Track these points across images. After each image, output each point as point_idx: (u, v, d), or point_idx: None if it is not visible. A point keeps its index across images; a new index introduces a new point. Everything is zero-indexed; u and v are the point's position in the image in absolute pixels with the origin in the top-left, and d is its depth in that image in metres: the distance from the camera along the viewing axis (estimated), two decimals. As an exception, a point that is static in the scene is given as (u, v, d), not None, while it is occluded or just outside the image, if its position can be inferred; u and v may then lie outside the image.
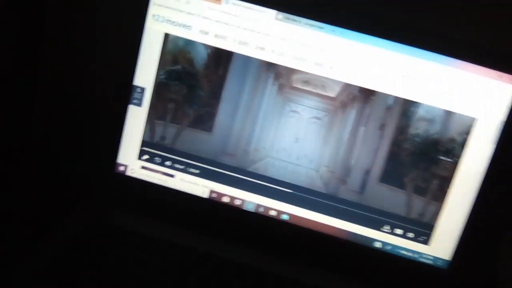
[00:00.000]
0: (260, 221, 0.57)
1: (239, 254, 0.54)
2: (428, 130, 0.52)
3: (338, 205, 0.55)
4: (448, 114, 0.52)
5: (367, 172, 0.54)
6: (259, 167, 0.56)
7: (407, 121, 0.52)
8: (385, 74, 0.52)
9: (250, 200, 0.57)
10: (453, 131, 0.52)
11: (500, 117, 0.52)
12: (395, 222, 0.55)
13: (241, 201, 0.57)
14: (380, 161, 0.54)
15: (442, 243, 0.55)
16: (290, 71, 0.53)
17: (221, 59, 0.53)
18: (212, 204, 0.57)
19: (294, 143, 0.55)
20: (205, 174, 0.57)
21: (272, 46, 0.52)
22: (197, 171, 0.57)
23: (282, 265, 0.54)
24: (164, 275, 0.49)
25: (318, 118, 0.54)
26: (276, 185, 0.56)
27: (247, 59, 0.53)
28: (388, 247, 0.56)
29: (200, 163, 0.56)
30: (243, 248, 0.55)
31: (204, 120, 0.55)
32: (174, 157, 0.57)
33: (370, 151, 0.54)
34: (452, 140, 0.52)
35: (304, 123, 0.54)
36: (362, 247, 0.56)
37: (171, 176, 0.57)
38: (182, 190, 0.57)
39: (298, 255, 0.56)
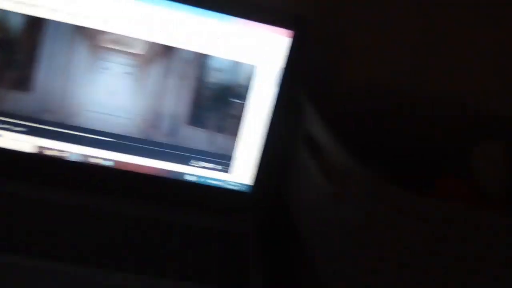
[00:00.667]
0: (87, 169, 0.65)
1: (73, 199, 0.62)
2: (220, 78, 0.64)
3: (154, 147, 0.65)
4: (235, 64, 0.64)
5: (176, 117, 0.64)
6: (80, 121, 0.63)
7: (203, 72, 0.63)
8: (181, 32, 0.62)
9: (76, 151, 0.64)
10: (240, 78, 0.64)
11: (279, 64, 0.64)
12: (202, 157, 0.66)
13: (68, 153, 0.64)
14: (185, 107, 0.64)
15: (242, 171, 0.67)
16: (99, 32, 0.61)
17: (34, 25, 0.60)
18: (41, 158, 0.64)
19: (110, 97, 0.63)
20: (31, 131, 0.63)
21: (80, 11, 0.60)
22: (23, 129, 0.63)
23: (111, 203, 0.63)
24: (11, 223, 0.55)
25: (129, 73, 0.63)
26: (98, 136, 0.64)
27: (58, 24, 0.60)
28: (198, 179, 0.67)
29: (24, 121, 0.63)
30: (77, 194, 0.63)
31: (24, 81, 0.61)
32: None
33: (176, 99, 0.64)
34: (240, 85, 0.64)
35: (116, 78, 0.63)
36: (177, 181, 0.66)
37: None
38: (11, 148, 0.63)
39: (125, 194, 0.65)
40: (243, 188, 0.68)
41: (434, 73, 0.77)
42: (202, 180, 0.67)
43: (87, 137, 0.64)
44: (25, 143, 0.63)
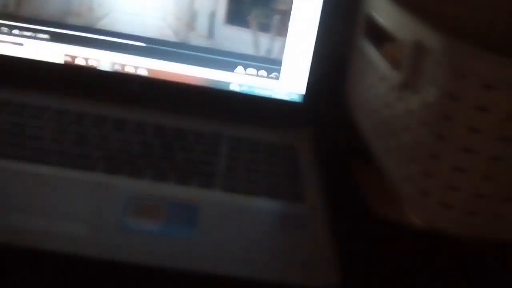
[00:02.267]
0: (119, 78, 0.58)
1: (109, 111, 0.56)
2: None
3: (191, 52, 0.57)
4: None
5: (214, 16, 0.56)
6: (107, 23, 0.56)
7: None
8: None
9: (105, 59, 0.57)
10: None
11: None
12: (246, 62, 0.57)
13: (96, 62, 0.57)
14: (224, 3, 0.55)
15: (293, 78, 0.58)
16: None
17: None
18: (69, 69, 0.57)
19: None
20: (55, 38, 0.56)
21: None
22: (47, 36, 0.56)
23: (146, 115, 0.57)
24: (43, 135, 0.50)
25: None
26: (127, 40, 0.56)
27: None
28: (244, 88, 0.58)
29: (48, 27, 0.56)
30: (110, 106, 0.57)
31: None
32: (21, 24, 0.56)
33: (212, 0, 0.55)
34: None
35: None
36: (220, 91, 0.58)
37: (21, 44, 0.56)
38: (37, 58, 0.57)
39: (161, 105, 0.58)
40: (295, 98, 0.59)
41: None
42: (248, 89, 0.58)
43: (116, 42, 0.56)
44: (51, 52, 0.57)
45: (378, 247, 0.47)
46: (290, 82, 0.58)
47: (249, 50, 0.57)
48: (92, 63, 0.57)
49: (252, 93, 0.59)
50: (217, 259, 0.40)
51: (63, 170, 0.46)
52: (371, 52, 0.50)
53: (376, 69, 0.48)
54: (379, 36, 0.49)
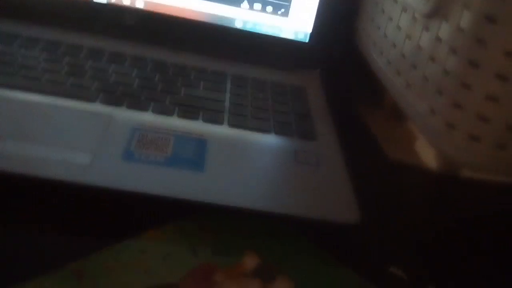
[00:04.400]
0: (115, 11, 0.53)
1: (105, 44, 0.52)
2: None
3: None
4: None
5: None
6: None
7: None
8: None
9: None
10: None
11: None
12: (252, 8, 0.54)
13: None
14: None
15: (301, 15, 0.55)
16: None
17: None
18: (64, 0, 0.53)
19: None
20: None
21: None
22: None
23: (146, 50, 0.53)
24: (36, 64, 0.46)
25: None
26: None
27: None
28: (249, 25, 0.55)
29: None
30: (107, 39, 0.53)
31: None
32: None
33: None
34: None
35: None
36: (224, 28, 0.55)
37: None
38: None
39: (161, 41, 0.54)
40: (303, 37, 0.56)
41: None
42: (253, 27, 0.55)
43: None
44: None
45: (393, 188, 0.45)
46: (298, 20, 0.55)
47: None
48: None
49: (258, 31, 0.55)
50: (227, 191, 0.37)
51: (58, 99, 0.43)
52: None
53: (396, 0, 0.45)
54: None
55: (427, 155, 0.45)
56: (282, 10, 0.54)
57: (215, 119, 0.45)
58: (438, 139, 0.40)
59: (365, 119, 0.52)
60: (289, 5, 0.54)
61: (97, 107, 0.43)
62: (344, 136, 0.47)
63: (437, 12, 0.40)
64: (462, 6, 0.37)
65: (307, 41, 0.56)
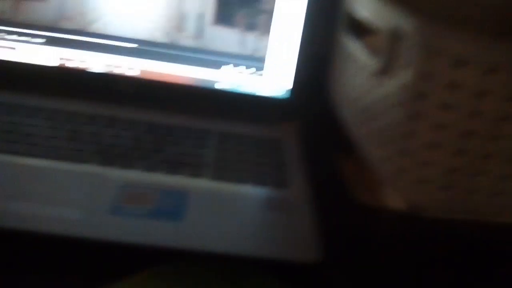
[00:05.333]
0: (112, 80, 0.60)
1: (102, 110, 0.58)
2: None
3: (180, 52, 0.60)
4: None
5: (202, 17, 0.58)
6: (99, 27, 0.58)
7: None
8: None
9: (98, 61, 0.60)
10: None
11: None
12: (233, 60, 0.60)
13: (90, 64, 0.60)
14: (211, 5, 0.58)
15: (279, 74, 0.61)
16: None
17: None
18: (64, 72, 0.59)
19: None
20: (49, 42, 0.59)
21: None
22: (42, 40, 0.59)
23: (139, 114, 0.59)
24: (38, 132, 0.53)
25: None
26: (118, 42, 0.59)
27: None
28: (231, 86, 0.61)
29: (42, 31, 0.58)
30: (103, 105, 0.59)
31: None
32: (16, 29, 0.58)
33: (200, 1, 0.58)
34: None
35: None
36: (208, 89, 0.61)
37: (14, 48, 0.59)
38: (32, 62, 0.59)
39: (153, 104, 0.60)
40: (281, 94, 0.61)
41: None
42: (234, 87, 0.61)
43: (108, 44, 0.59)
44: (45, 55, 0.59)
45: (359, 230, 0.49)
46: (275, 79, 0.61)
47: (235, 49, 0.59)
48: (85, 65, 0.60)
49: (239, 91, 0.61)
50: (205, 238, 0.42)
51: (57, 162, 0.48)
52: (352, 44, 0.52)
53: (356, 60, 0.51)
54: (359, 29, 0.51)
55: (392, 198, 0.49)
56: (260, 71, 0.60)
57: (197, 174, 0.50)
58: (393, 183, 0.44)
59: (336, 166, 0.57)
60: (265, 66, 0.60)
61: (92, 168, 0.49)
62: (316, 183, 0.52)
63: (385, 71, 0.45)
64: (404, 65, 0.42)
65: (285, 97, 0.61)
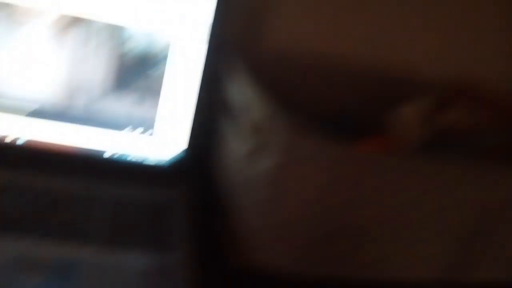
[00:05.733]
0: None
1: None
2: (139, 48, 0.62)
3: (70, 122, 0.63)
4: (155, 32, 0.62)
5: (93, 90, 0.62)
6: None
7: (120, 42, 0.61)
8: (95, 2, 0.60)
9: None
10: (160, 47, 0.62)
11: (200, 31, 0.63)
12: (123, 131, 0.64)
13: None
14: (102, 80, 0.62)
15: (169, 140, 0.66)
16: (7, 4, 0.58)
17: None
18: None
19: (21, 69, 0.60)
20: None
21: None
22: None
23: (24, 179, 0.61)
24: None
25: (41, 46, 0.61)
26: (6, 112, 0.61)
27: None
28: (119, 154, 0.65)
29: None
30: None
31: None
32: None
33: (93, 72, 0.62)
34: (159, 55, 0.63)
35: (27, 50, 0.60)
36: (98, 157, 0.64)
37: None
38: None
39: (40, 171, 0.62)
40: (168, 159, 0.66)
41: (357, 37, 0.79)
42: (126, 153, 0.65)
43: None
44: None
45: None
46: (165, 145, 0.66)
47: (126, 116, 0.64)
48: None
49: (128, 157, 0.65)
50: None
51: None
52: (231, 122, 0.59)
53: (234, 138, 0.58)
54: (236, 108, 0.58)
55: (262, 258, 0.56)
56: (148, 139, 0.65)
57: (86, 242, 0.54)
58: (264, 249, 0.51)
59: (219, 231, 0.63)
60: (152, 136, 0.65)
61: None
62: (199, 246, 0.57)
63: (254, 154, 0.52)
64: (270, 150, 0.49)
65: (172, 162, 0.67)
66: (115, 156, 0.65)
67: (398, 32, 0.80)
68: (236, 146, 0.57)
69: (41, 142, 0.63)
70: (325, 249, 0.52)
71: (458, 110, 0.68)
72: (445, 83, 0.76)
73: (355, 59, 0.76)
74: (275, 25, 0.76)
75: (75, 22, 0.60)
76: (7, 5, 0.58)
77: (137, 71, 0.63)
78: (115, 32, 0.61)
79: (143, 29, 0.61)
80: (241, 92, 0.56)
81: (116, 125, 0.64)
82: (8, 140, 0.62)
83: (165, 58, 0.63)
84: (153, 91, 0.64)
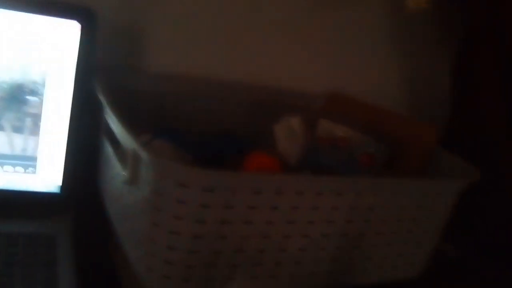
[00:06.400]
0: None
1: None
2: (11, 77, 0.61)
3: None
4: (26, 61, 0.61)
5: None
6: None
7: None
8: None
9: None
10: (35, 74, 0.61)
11: (71, 58, 0.62)
12: (3, 160, 0.62)
13: None
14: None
15: (50, 171, 0.65)
16: None
17: None
18: None
19: None
20: None
21: None
22: None
23: None
24: None
25: None
26: None
27: None
28: (3, 186, 0.63)
29: None
30: None
31: None
32: None
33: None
34: (35, 81, 0.62)
35: None
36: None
37: None
38: None
39: None
40: (52, 190, 0.65)
41: (236, 58, 0.82)
42: (6, 185, 0.63)
43: None
44: None
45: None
46: (47, 176, 0.65)
47: (4, 150, 0.62)
48: None
49: (10, 189, 0.64)
50: None
51: None
52: (109, 150, 0.59)
53: (113, 165, 0.58)
54: (114, 138, 0.59)
55: None
56: (31, 169, 0.64)
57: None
58: (145, 280, 0.52)
59: (111, 258, 0.63)
60: (36, 164, 0.64)
61: None
62: (89, 278, 0.57)
63: (131, 183, 0.53)
64: (144, 181, 0.50)
65: (57, 192, 0.66)
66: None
67: (271, 50, 0.84)
68: (114, 174, 0.57)
69: None
70: (208, 273, 0.53)
71: (333, 121, 0.72)
72: (320, 96, 0.81)
73: (229, 79, 0.79)
74: (150, 51, 0.77)
75: None
76: None
77: (12, 102, 0.61)
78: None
79: (16, 61, 0.60)
80: (110, 120, 0.56)
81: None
82: None
83: (40, 86, 0.62)
84: (32, 126, 0.63)
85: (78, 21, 0.61)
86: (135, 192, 0.52)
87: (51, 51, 0.61)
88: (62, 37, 0.61)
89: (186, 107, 0.73)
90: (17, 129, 0.62)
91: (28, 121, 0.63)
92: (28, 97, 0.62)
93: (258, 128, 0.71)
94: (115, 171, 0.57)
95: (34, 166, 0.64)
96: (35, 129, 0.63)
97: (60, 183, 0.66)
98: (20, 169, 0.64)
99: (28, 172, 0.64)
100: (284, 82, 0.85)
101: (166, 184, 0.48)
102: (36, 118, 0.63)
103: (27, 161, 0.64)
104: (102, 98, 0.60)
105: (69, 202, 0.66)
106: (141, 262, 0.52)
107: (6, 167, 0.63)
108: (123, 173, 0.53)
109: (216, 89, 0.77)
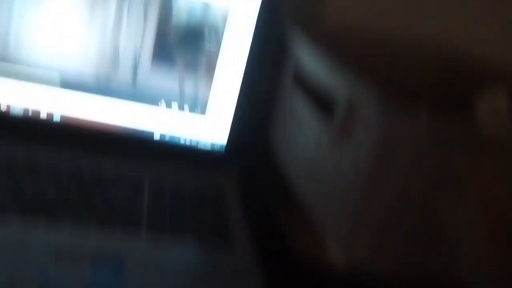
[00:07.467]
0: (31, 123, 0.54)
1: (22, 155, 0.51)
2: (191, 18, 0.54)
3: (111, 97, 0.55)
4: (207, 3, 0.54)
5: (137, 55, 0.54)
6: (21, 63, 0.52)
7: (169, 11, 0.53)
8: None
9: (18, 104, 0.53)
10: (213, 18, 0.54)
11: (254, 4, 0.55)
12: (171, 109, 0.56)
13: (7, 106, 0.53)
14: (148, 51, 0.54)
15: (219, 123, 0.58)
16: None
17: None
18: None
19: (57, 36, 0.52)
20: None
21: None
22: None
23: (63, 160, 0.53)
24: None
25: (80, 9, 0.53)
26: (42, 83, 0.53)
27: None
28: (167, 138, 0.57)
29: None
30: (22, 150, 0.52)
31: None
32: None
33: (137, 40, 0.54)
34: (213, 26, 0.55)
35: (65, 15, 0.52)
36: (142, 139, 0.56)
37: None
38: None
39: (78, 150, 0.54)
40: (220, 144, 0.59)
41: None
42: (174, 133, 0.57)
43: (30, 76, 0.53)
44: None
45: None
46: (215, 128, 0.58)
47: (174, 94, 0.56)
48: (2, 108, 0.53)
49: (176, 141, 0.57)
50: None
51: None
52: (300, 102, 0.51)
53: (304, 120, 0.50)
54: (308, 88, 0.50)
55: (335, 254, 0.48)
56: (198, 120, 0.57)
57: (131, 232, 0.46)
58: (343, 244, 0.44)
59: (279, 221, 0.55)
60: (204, 116, 0.57)
61: (13, 232, 0.42)
62: (260, 239, 0.50)
63: (340, 137, 0.44)
64: (361, 133, 0.42)
65: (224, 148, 0.59)
66: (165, 138, 0.57)
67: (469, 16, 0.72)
68: (307, 130, 0.49)
69: (76, 117, 0.54)
70: (409, 248, 0.44)
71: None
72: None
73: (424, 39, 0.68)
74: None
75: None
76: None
77: (189, 45, 0.55)
78: (166, 2, 0.53)
79: (197, 0, 0.53)
80: (316, 65, 0.48)
81: (163, 100, 0.56)
82: (39, 116, 0.54)
83: (221, 31, 0.55)
84: (206, 67, 0.56)
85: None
86: (344, 147, 0.43)
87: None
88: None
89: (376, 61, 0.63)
90: (190, 76, 0.56)
91: (202, 68, 0.56)
92: (204, 41, 0.55)
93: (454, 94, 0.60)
94: (309, 126, 0.49)
95: (204, 115, 0.57)
96: (209, 71, 0.56)
97: (228, 138, 0.58)
98: (189, 115, 0.57)
99: (198, 120, 0.57)
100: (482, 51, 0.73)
101: (393, 135, 0.39)
102: (214, 61, 0.56)
103: (197, 108, 0.57)
104: (296, 39, 0.52)
105: (236, 160, 0.59)
106: (341, 225, 0.43)
107: (174, 112, 0.56)
108: (326, 128, 0.45)
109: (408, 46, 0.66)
